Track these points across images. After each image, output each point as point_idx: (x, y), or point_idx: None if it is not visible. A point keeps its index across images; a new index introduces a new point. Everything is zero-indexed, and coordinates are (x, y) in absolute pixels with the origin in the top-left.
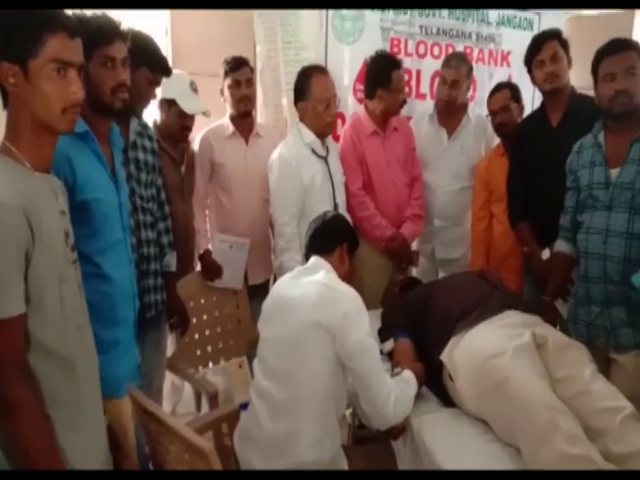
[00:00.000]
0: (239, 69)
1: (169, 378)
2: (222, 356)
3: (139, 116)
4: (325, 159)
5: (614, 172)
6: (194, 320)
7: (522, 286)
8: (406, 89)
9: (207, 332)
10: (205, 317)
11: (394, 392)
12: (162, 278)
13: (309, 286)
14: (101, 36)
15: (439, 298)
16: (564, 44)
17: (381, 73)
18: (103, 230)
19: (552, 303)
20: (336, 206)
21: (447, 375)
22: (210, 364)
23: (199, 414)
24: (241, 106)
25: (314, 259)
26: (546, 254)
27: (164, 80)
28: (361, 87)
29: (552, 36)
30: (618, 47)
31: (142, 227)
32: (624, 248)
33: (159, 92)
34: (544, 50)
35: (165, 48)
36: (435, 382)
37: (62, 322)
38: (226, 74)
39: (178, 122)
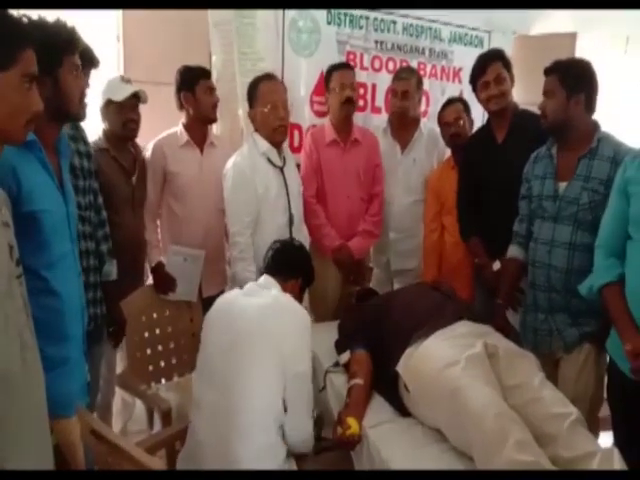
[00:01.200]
0: (210, 77)
1: (120, 395)
2: (175, 371)
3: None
4: (281, 169)
5: (562, 185)
6: (146, 335)
7: (473, 295)
8: (349, 91)
9: (160, 347)
10: (158, 331)
11: (309, 432)
12: (102, 289)
13: (265, 302)
14: (68, 44)
15: (394, 309)
16: (507, 64)
17: (325, 77)
18: (51, 243)
19: (504, 307)
20: (291, 217)
21: (403, 385)
22: (163, 380)
23: (151, 432)
24: (214, 113)
25: (267, 279)
26: (496, 265)
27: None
28: (317, 99)
29: (495, 58)
30: (546, 69)
31: (81, 238)
32: (567, 259)
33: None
34: (488, 72)
35: (116, 55)
36: (391, 392)
37: (5, 340)
38: (197, 79)
39: (119, 118)
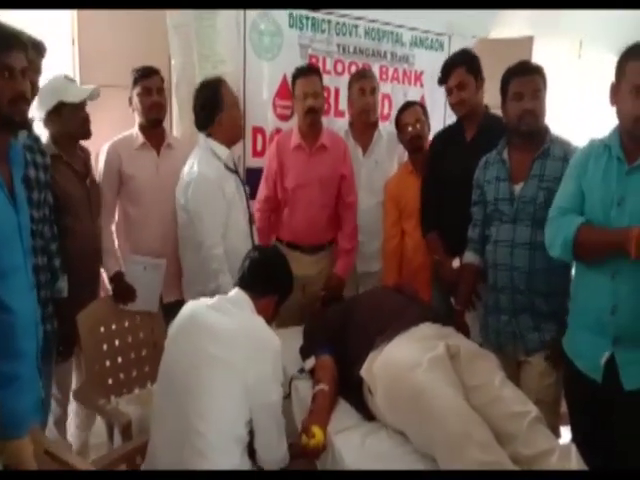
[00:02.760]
0: (149, 77)
1: (80, 408)
2: (136, 384)
3: (29, 128)
4: (237, 173)
5: (517, 187)
6: (105, 347)
7: (431, 296)
8: (311, 100)
9: (119, 359)
10: (117, 343)
11: (282, 453)
12: (53, 305)
13: (233, 325)
14: None
15: (358, 313)
16: (472, 68)
17: (291, 82)
18: (1, 255)
19: (463, 312)
20: (251, 217)
21: (367, 389)
22: (124, 393)
23: (112, 446)
24: (152, 114)
25: (238, 293)
26: (456, 263)
27: (41, 98)
28: (280, 103)
29: (459, 63)
30: (526, 69)
31: (34, 252)
32: (528, 259)
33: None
34: (451, 78)
35: (71, 59)
36: (355, 397)
37: None
38: (135, 82)
39: (76, 119)
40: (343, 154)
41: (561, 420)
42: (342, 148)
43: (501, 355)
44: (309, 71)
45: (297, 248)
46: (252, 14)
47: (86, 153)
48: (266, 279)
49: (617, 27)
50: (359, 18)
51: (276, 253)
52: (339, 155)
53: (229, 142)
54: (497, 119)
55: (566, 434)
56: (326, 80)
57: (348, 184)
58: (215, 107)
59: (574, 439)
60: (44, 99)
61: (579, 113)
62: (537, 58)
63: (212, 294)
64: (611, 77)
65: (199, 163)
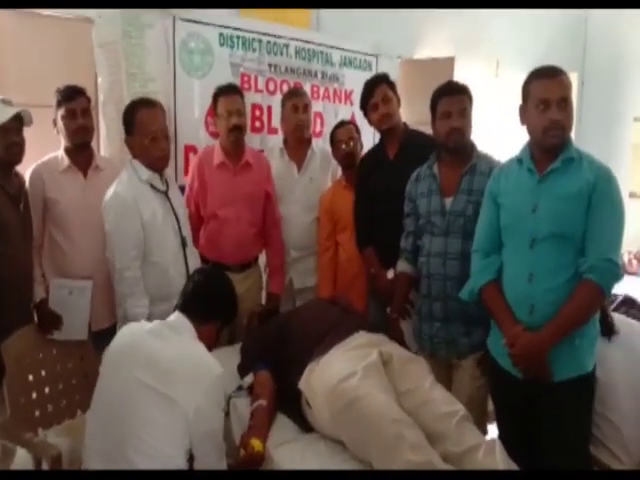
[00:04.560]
0: (74, 99)
1: None
2: (66, 414)
3: None
4: (165, 194)
5: (448, 201)
6: (30, 378)
7: (367, 307)
8: (235, 118)
9: (47, 389)
10: (44, 373)
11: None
12: None
13: (172, 354)
14: None
15: (295, 327)
16: (392, 86)
17: (212, 100)
18: None
19: (397, 319)
20: (183, 239)
21: (305, 402)
22: (53, 424)
23: None
24: (77, 138)
25: (179, 318)
26: (390, 274)
27: None
28: (212, 120)
29: (381, 80)
30: (453, 90)
31: None
32: (459, 269)
33: None
34: (376, 94)
35: None
36: (294, 409)
37: None
38: (59, 104)
39: (1, 142)
40: (267, 172)
41: (488, 418)
42: (265, 166)
43: (434, 359)
44: (231, 89)
45: (224, 267)
46: (181, 33)
47: (20, 178)
48: (209, 305)
49: (531, 48)
50: (290, 38)
51: (221, 277)
52: (263, 172)
53: (148, 167)
54: (418, 134)
55: (494, 431)
56: (258, 98)
57: (272, 201)
58: (127, 130)
59: (500, 435)
60: None
61: (497, 128)
62: (458, 77)
63: (121, 319)
64: None
65: (118, 183)
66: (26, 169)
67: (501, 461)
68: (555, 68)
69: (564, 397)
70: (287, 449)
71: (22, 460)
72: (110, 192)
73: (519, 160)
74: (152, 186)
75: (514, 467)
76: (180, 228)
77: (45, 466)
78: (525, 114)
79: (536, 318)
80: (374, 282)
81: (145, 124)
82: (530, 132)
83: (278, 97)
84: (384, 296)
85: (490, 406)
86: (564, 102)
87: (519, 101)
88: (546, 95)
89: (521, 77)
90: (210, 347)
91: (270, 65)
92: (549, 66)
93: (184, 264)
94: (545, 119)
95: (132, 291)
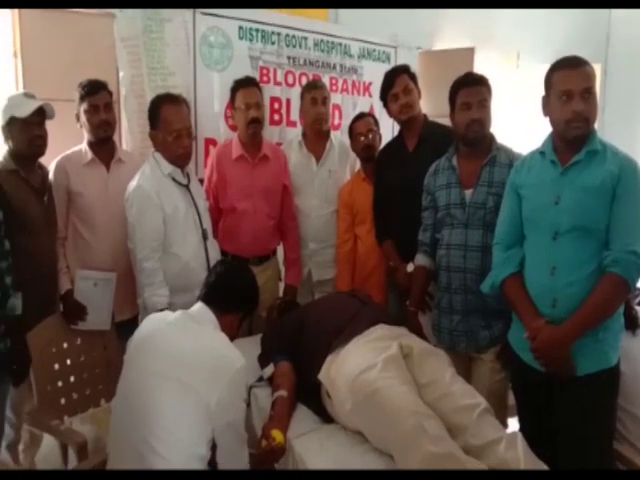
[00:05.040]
0: (96, 93)
1: (26, 429)
2: (91, 403)
3: None
4: (187, 187)
5: (468, 193)
6: (56, 366)
7: (386, 300)
8: (254, 111)
9: (72, 378)
10: (69, 362)
11: (245, 466)
12: (5, 324)
13: (194, 345)
14: None
15: (314, 319)
16: (413, 77)
17: (231, 93)
18: None
19: (416, 312)
20: (204, 232)
21: (325, 393)
22: (77, 412)
23: (66, 469)
24: (100, 132)
25: (202, 308)
26: (410, 267)
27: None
28: (231, 113)
29: (401, 71)
30: (473, 81)
31: None
32: (480, 261)
33: None
34: (396, 84)
35: (14, 72)
36: (314, 400)
37: None
38: (82, 99)
39: (24, 136)
40: (284, 164)
41: (509, 411)
42: (282, 158)
43: (454, 353)
44: (249, 82)
45: (242, 259)
46: (201, 27)
47: (44, 170)
48: (232, 296)
49: (552, 39)
50: (309, 31)
51: (243, 268)
52: (280, 165)
53: (170, 161)
54: (438, 126)
55: (514, 425)
56: (277, 91)
57: (289, 194)
58: (151, 124)
59: (521, 430)
60: (2, 114)
61: (517, 121)
62: (478, 68)
63: (142, 309)
64: None
65: (141, 176)
66: (49, 162)
67: (523, 455)
68: (578, 58)
69: (587, 391)
70: (308, 439)
71: (49, 447)
72: (133, 184)
73: (541, 152)
74: (174, 179)
75: (536, 461)
76: (201, 221)
77: (71, 453)
78: (547, 105)
79: (559, 311)
80: (393, 275)
81: (169, 121)
82: (553, 124)
83: (297, 90)
84: (403, 289)
85: (510, 400)
86: (587, 93)
87: (541, 93)
88: (569, 86)
89: (543, 68)
90: (232, 338)
91: (289, 58)
92: (572, 56)
93: (205, 256)
94: (568, 110)
95: (151, 281)
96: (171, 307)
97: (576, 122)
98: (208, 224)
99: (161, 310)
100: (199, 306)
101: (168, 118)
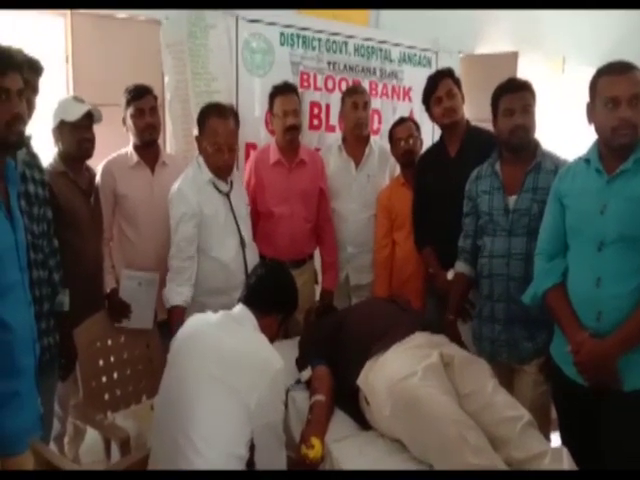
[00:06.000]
0: (142, 97)
1: (70, 422)
2: (133, 399)
3: (27, 145)
4: (227, 195)
5: (511, 199)
6: (101, 362)
7: (424, 307)
8: (292, 118)
9: (115, 375)
10: (112, 359)
11: (283, 467)
12: (54, 319)
13: (236, 346)
14: None
15: (353, 324)
16: (457, 81)
17: (269, 99)
18: None
19: (455, 321)
20: (242, 240)
21: (363, 399)
22: (120, 408)
23: (109, 462)
24: (145, 135)
25: (243, 309)
26: (450, 275)
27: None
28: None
29: (445, 75)
30: (516, 86)
31: (34, 266)
32: (524, 269)
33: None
34: (440, 88)
35: (65, 77)
36: (352, 406)
37: None
38: (128, 103)
39: (73, 138)
40: (321, 169)
41: (551, 426)
42: (319, 162)
43: (495, 363)
44: (288, 89)
45: (283, 262)
46: (244, 33)
47: (91, 172)
48: (271, 297)
49: (600, 43)
50: (349, 36)
51: (282, 271)
52: (317, 169)
53: (211, 169)
54: (480, 131)
55: (555, 441)
56: (317, 96)
57: (326, 198)
58: (199, 129)
59: (563, 442)
60: (52, 117)
61: (563, 127)
62: (522, 73)
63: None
64: None
65: (183, 179)
66: (96, 165)
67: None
68: (625, 63)
69: (633, 408)
70: (346, 445)
71: (92, 440)
72: (175, 187)
73: (586, 160)
74: (214, 185)
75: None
76: (239, 228)
77: (114, 448)
78: (593, 112)
79: (604, 324)
80: (432, 282)
81: (212, 133)
82: (598, 131)
83: (336, 95)
84: (443, 296)
85: (553, 414)
86: (635, 99)
87: (587, 99)
88: (615, 92)
89: (589, 72)
90: (272, 340)
91: (329, 63)
92: (619, 61)
93: (243, 261)
94: (614, 118)
95: (173, 277)
96: (208, 308)
97: (623, 130)
98: (248, 231)
99: (175, 307)
100: (240, 307)
101: (212, 128)
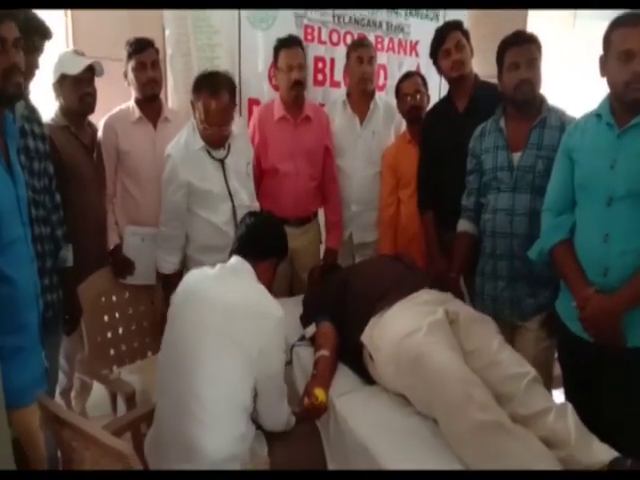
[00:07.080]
0: (143, 51)
1: (77, 377)
2: (138, 354)
3: (26, 99)
4: (222, 161)
5: (516, 156)
6: (105, 318)
7: (428, 266)
8: (297, 73)
9: (120, 330)
10: (117, 315)
11: (284, 417)
12: (57, 275)
13: (235, 297)
14: None
15: (357, 281)
16: (465, 34)
17: (274, 52)
18: (0, 228)
19: (457, 279)
20: (234, 209)
21: (367, 354)
22: (125, 363)
23: (115, 416)
24: (147, 89)
25: (238, 261)
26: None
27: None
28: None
29: (454, 27)
30: (521, 39)
31: (35, 222)
32: (528, 226)
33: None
34: (448, 40)
35: (64, 31)
36: (356, 361)
37: None
38: (129, 56)
39: (75, 93)
40: (326, 125)
41: (553, 383)
42: (324, 119)
43: (497, 321)
44: (293, 42)
45: (284, 221)
46: None
47: (93, 127)
48: (264, 243)
49: None
50: None
51: (270, 217)
52: (322, 126)
53: (203, 139)
54: (490, 86)
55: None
56: (321, 50)
57: (331, 156)
58: (193, 97)
59: (567, 398)
60: (53, 72)
61: (573, 84)
62: (531, 26)
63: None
64: None
65: (176, 143)
66: (97, 121)
67: (574, 426)
68: None
69: (635, 363)
70: (350, 399)
71: (99, 394)
72: (168, 149)
73: (597, 115)
74: (208, 152)
75: (586, 433)
76: (231, 196)
77: (120, 401)
78: (606, 66)
79: (610, 280)
80: (428, 263)
81: (204, 110)
82: (611, 85)
83: (341, 49)
84: (439, 280)
85: (556, 371)
86: None
87: (599, 53)
88: (629, 45)
89: (601, 27)
90: (270, 286)
91: (334, 16)
92: (633, 13)
93: (235, 224)
94: (628, 71)
95: (162, 245)
96: (202, 265)
97: (636, 84)
98: (248, 191)
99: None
100: (235, 259)
101: (204, 107)
